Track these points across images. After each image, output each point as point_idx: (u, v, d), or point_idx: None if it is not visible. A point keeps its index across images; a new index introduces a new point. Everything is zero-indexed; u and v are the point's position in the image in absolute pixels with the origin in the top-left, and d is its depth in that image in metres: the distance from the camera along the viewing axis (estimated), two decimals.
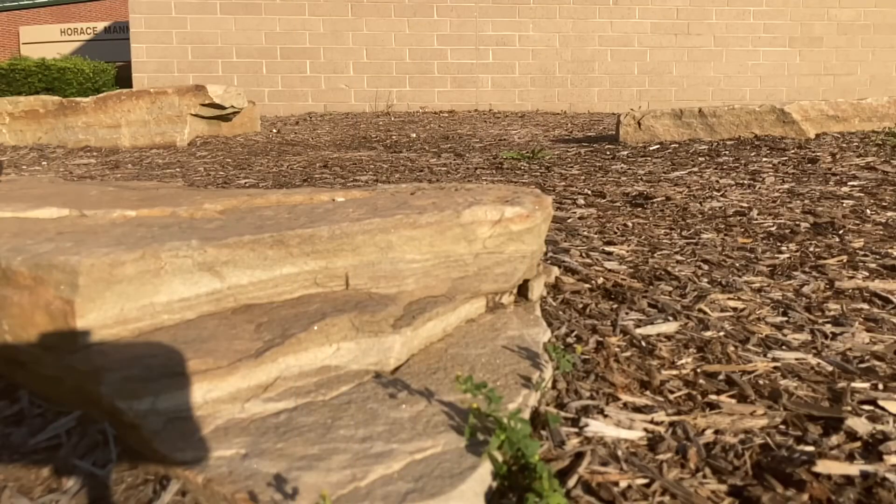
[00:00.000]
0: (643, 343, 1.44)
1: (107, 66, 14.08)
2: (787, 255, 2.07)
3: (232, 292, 1.25)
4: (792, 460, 1.01)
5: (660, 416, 1.15)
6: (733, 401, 1.21)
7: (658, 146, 4.68)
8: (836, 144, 4.27)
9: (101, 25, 17.90)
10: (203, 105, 6.04)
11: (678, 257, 2.07)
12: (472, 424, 1.01)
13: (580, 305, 1.65)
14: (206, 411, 1.03)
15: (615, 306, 1.65)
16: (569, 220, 2.62)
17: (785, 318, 1.58)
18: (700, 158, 4.10)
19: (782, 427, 1.12)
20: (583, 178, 3.67)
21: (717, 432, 1.11)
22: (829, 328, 1.52)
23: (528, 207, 1.55)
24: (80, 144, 5.82)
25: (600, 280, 1.83)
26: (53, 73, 12.78)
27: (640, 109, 5.32)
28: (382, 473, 0.92)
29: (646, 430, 1.11)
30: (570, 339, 1.46)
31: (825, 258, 2.02)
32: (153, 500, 0.92)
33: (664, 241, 2.28)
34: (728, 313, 1.61)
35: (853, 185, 3.11)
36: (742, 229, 2.41)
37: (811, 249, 2.12)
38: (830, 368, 1.33)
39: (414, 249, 1.41)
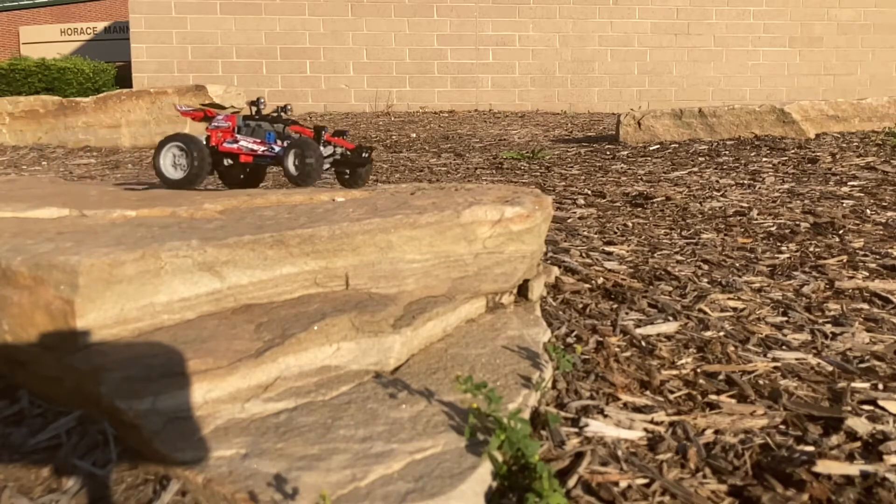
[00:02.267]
0: (643, 343, 1.44)
1: (107, 66, 14.06)
2: (787, 255, 2.07)
3: (232, 292, 1.25)
4: (792, 460, 1.01)
5: (660, 416, 1.15)
6: (733, 401, 1.21)
7: (658, 146, 4.68)
8: (836, 144, 4.27)
9: (101, 25, 17.89)
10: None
11: (678, 257, 2.07)
12: (472, 424, 1.01)
13: (580, 305, 1.65)
14: (206, 411, 1.03)
15: (615, 306, 1.65)
16: (569, 220, 2.62)
17: (785, 318, 1.58)
18: (700, 158, 4.10)
19: (782, 427, 1.12)
20: (583, 178, 3.67)
21: (717, 432, 1.11)
22: (829, 328, 1.52)
23: (528, 207, 1.55)
24: (80, 144, 5.83)
25: (600, 280, 1.83)
26: (53, 73, 12.77)
27: (640, 109, 5.32)
28: (382, 473, 0.92)
29: (646, 430, 1.11)
30: (570, 339, 1.46)
31: (825, 258, 2.02)
32: (153, 500, 0.92)
33: (664, 241, 2.28)
34: (728, 313, 1.61)
35: (853, 185, 3.11)
36: (742, 229, 2.41)
37: (811, 249, 2.12)
38: (830, 368, 1.33)
39: (414, 249, 1.41)
